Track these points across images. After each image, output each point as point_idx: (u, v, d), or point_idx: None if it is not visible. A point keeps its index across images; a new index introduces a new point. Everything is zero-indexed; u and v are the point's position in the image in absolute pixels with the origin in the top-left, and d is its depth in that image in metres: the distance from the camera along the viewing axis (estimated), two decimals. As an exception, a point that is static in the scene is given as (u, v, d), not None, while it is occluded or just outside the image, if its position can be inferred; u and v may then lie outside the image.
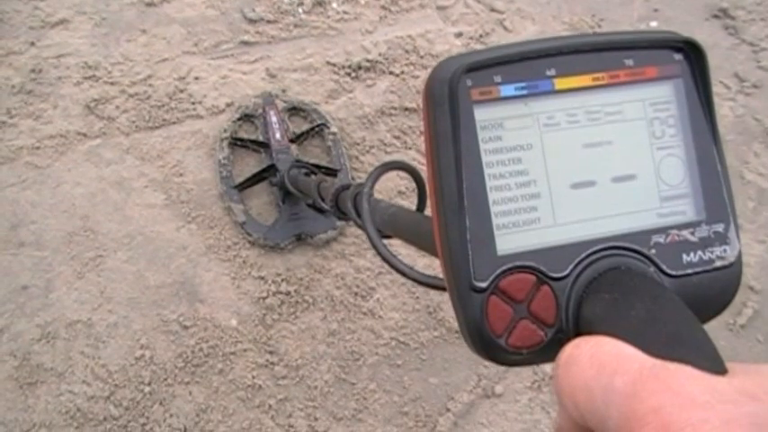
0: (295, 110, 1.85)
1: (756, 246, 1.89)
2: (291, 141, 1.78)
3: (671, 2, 2.17)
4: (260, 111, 1.81)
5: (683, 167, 0.47)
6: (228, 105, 1.82)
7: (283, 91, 1.86)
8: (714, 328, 1.71)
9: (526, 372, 1.68)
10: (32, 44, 1.82)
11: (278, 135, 1.76)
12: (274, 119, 1.77)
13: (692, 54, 0.47)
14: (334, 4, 1.99)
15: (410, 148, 1.84)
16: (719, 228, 0.46)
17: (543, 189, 0.45)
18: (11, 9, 1.86)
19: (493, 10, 2.06)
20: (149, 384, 1.55)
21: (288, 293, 1.66)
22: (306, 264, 1.70)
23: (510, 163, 0.44)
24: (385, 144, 1.84)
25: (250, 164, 1.80)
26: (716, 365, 0.33)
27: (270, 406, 1.57)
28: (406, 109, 1.88)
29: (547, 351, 0.43)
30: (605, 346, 0.34)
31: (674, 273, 0.45)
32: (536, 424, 1.65)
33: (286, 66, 1.89)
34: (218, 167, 1.75)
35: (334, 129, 1.82)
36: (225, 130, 1.78)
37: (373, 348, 1.66)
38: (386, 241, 0.79)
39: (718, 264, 0.46)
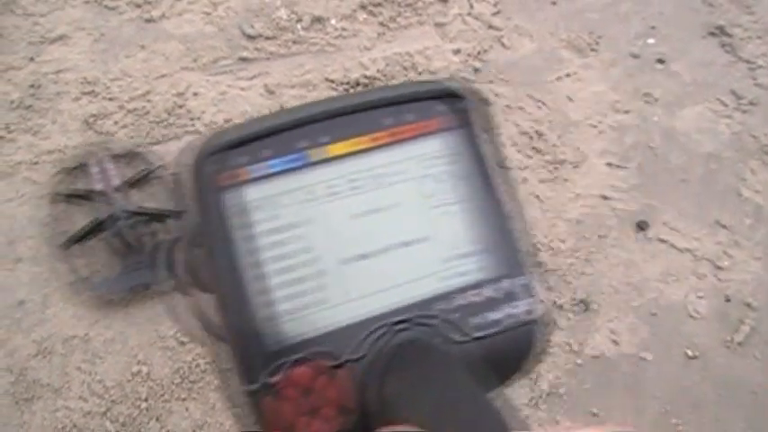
0: (125, 156, 1.73)
1: (753, 263, 1.89)
2: (123, 188, 1.67)
3: (668, 19, 2.18)
4: (87, 161, 1.69)
5: (464, 224, 0.43)
6: (227, 121, 1.82)
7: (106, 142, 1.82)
8: (711, 345, 1.71)
9: (523, 389, 1.68)
10: (32, 59, 1.83)
11: (102, 185, 1.64)
12: (98, 169, 1.66)
13: (457, 103, 0.44)
14: (333, 21, 2.00)
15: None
16: (513, 283, 0.44)
17: (315, 269, 0.42)
18: (10, 25, 1.86)
19: (491, 27, 2.07)
20: (146, 400, 1.55)
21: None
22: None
23: (272, 248, 0.41)
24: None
25: (81, 218, 1.68)
26: None
27: (266, 422, 1.57)
28: (404, 125, 1.88)
29: None
30: None
31: (464, 338, 0.42)
32: (533, 441, 1.64)
33: (284, 82, 1.90)
34: (44, 226, 1.66)
35: (171, 170, 1.71)
36: (49, 186, 1.68)
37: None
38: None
39: (516, 320, 0.43)
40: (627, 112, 1.99)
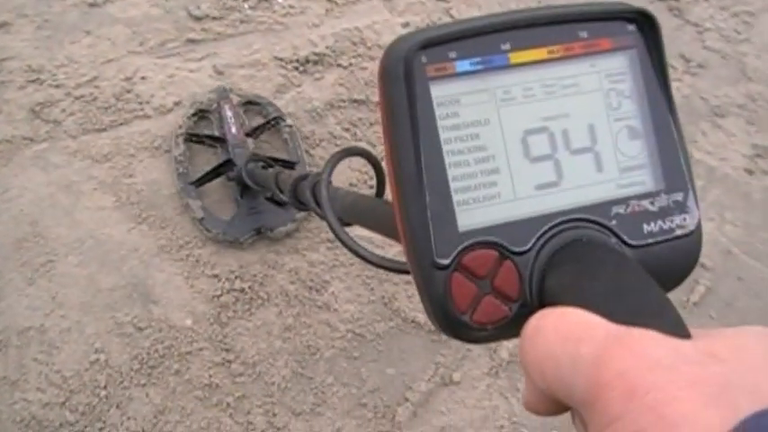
0: (250, 103, 1.83)
1: (706, 224, 1.91)
2: (247, 135, 1.76)
3: (616, -15, 2.19)
4: (214, 105, 1.79)
5: (640, 138, 0.47)
6: (176, 104, 1.80)
7: (230, 89, 1.85)
8: (667, 306, 1.73)
9: (483, 358, 1.69)
10: (-27, 49, 1.80)
11: (234, 129, 1.74)
12: (229, 113, 1.75)
13: (645, 25, 0.47)
14: (280, -1, 1.98)
15: (360, 140, 1.84)
16: (678, 197, 0.47)
17: (502, 164, 0.45)
18: (-50, 14, 1.83)
19: (439, -1, 2.07)
20: (105, 388, 1.54)
21: (242, 290, 1.66)
22: (259, 260, 1.70)
23: (468, 139, 0.44)
24: (335, 137, 1.84)
25: (206, 159, 1.78)
26: (679, 330, 0.33)
27: (228, 404, 1.57)
28: (355, 101, 1.87)
29: (512, 326, 0.43)
30: (570, 316, 0.34)
31: (635, 243, 0.45)
32: (494, 410, 1.66)
33: (233, 62, 1.88)
34: (174, 164, 1.73)
35: (290, 121, 1.81)
36: (180, 127, 1.76)
37: (330, 342, 1.66)
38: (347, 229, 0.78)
39: (679, 232, 0.47)
40: (578, 79, 1.99)
